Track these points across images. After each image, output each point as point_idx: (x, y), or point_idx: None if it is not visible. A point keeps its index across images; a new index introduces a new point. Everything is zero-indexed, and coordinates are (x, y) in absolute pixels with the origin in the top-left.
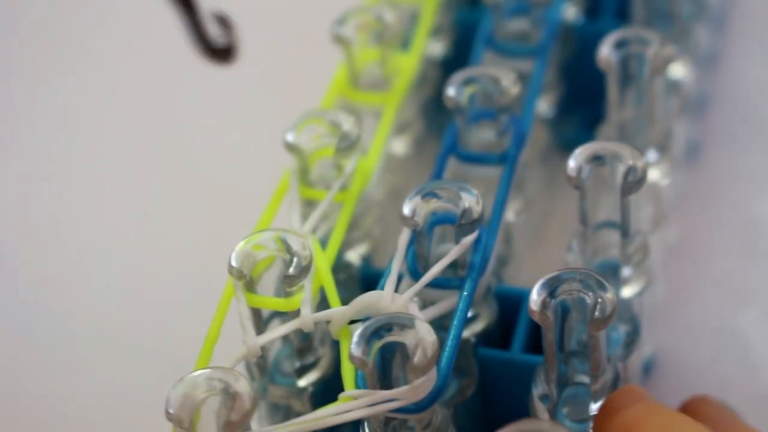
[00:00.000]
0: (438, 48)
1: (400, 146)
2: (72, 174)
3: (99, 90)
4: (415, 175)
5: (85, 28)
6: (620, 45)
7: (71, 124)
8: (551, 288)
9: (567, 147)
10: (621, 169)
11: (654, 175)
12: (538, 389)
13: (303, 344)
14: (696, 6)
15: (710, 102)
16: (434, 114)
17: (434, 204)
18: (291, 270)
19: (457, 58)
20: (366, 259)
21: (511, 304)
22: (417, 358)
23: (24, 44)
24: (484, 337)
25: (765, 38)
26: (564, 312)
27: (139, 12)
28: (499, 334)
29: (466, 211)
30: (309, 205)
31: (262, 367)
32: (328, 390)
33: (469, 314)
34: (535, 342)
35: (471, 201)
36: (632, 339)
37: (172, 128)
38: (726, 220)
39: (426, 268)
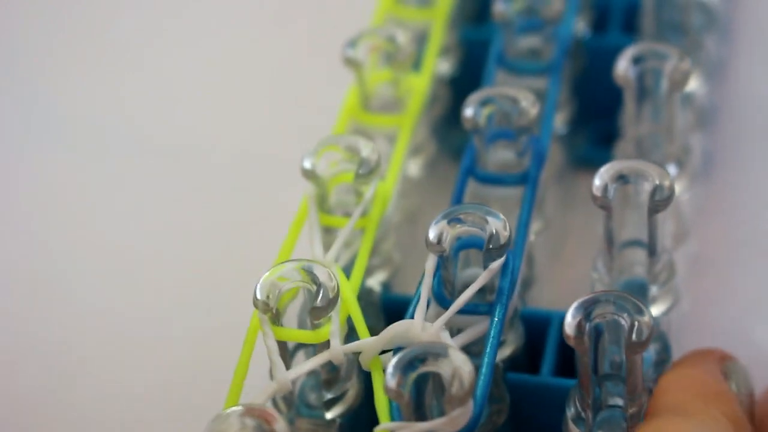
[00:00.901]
0: (445, 67)
1: (413, 168)
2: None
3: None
4: (428, 197)
5: (89, 32)
6: (638, 60)
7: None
8: (586, 311)
9: (578, 164)
10: (647, 187)
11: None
12: (571, 412)
13: (330, 375)
14: (705, 16)
15: (719, 112)
16: (444, 134)
17: (460, 229)
18: (318, 302)
19: (464, 76)
20: (385, 285)
21: (536, 326)
22: (455, 389)
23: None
24: (511, 362)
25: None
26: (597, 335)
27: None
28: (526, 357)
29: (493, 236)
30: (326, 232)
31: (288, 400)
32: (356, 421)
33: None
34: (563, 364)
35: (498, 225)
36: (662, 358)
37: (185, 148)
38: (742, 231)
39: (452, 294)
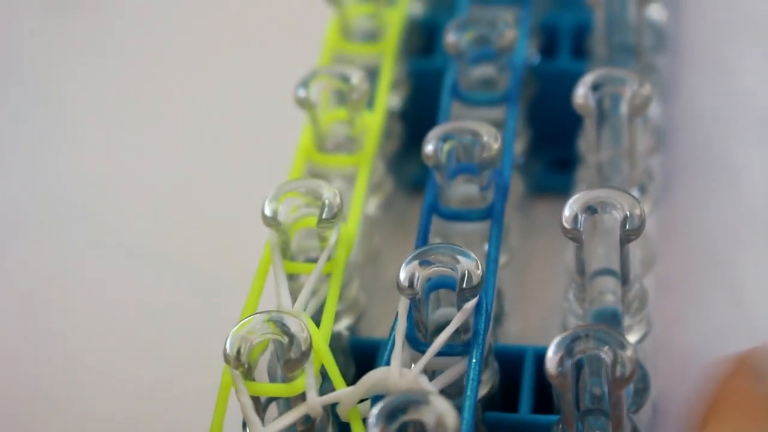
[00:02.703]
0: (395, 100)
1: (371, 207)
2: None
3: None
4: (387, 235)
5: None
6: (597, 87)
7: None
8: (567, 348)
9: (534, 191)
10: (618, 216)
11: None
12: None
13: (305, 427)
14: (655, 37)
15: (670, 133)
16: (398, 168)
17: (431, 270)
18: (292, 354)
19: (414, 109)
20: (351, 329)
21: (510, 362)
22: None
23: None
24: (487, 400)
25: (716, 62)
26: (578, 369)
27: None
28: (501, 394)
29: (466, 276)
30: (289, 278)
31: None
32: None
33: None
34: (539, 399)
35: (470, 265)
36: (641, 386)
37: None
38: (698, 252)
39: (426, 336)
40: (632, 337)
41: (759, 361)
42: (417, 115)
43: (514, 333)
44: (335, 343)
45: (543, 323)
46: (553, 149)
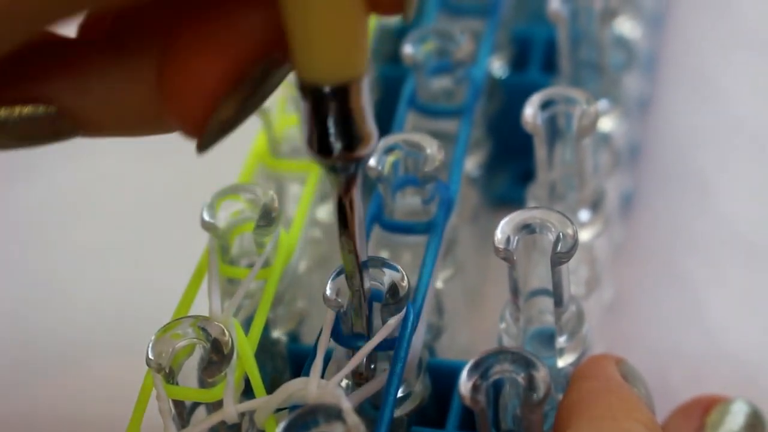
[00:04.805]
0: None
1: (323, 213)
2: None
3: None
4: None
5: None
6: (546, 105)
7: None
8: (481, 371)
9: (498, 203)
10: (550, 237)
11: (587, 235)
12: None
13: None
14: (625, 54)
15: (642, 150)
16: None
17: None
18: (211, 359)
19: (381, 114)
20: (293, 334)
21: (445, 377)
22: None
23: None
24: (418, 415)
25: (695, 83)
26: (497, 389)
27: None
28: (435, 409)
29: (391, 289)
30: (230, 283)
31: None
32: None
33: (401, 393)
34: (471, 417)
35: (396, 277)
36: None
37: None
38: (661, 272)
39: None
40: (567, 359)
41: (607, 361)
42: (384, 122)
43: (462, 348)
44: (273, 349)
45: (491, 339)
46: (520, 162)
